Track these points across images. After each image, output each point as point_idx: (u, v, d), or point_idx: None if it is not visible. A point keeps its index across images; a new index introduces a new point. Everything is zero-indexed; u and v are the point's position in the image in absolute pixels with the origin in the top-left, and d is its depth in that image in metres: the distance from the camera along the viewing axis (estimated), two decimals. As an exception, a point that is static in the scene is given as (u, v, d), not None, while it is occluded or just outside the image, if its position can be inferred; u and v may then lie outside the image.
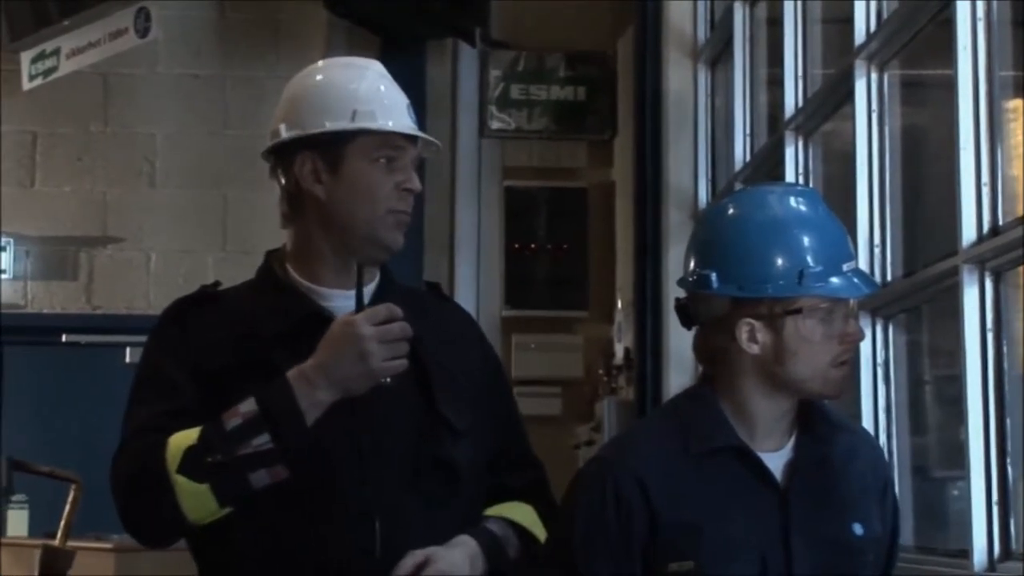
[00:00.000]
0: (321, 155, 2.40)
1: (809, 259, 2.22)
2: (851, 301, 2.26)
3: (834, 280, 2.23)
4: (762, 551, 2.22)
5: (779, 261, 2.22)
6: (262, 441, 2.25)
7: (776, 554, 2.22)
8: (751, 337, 2.23)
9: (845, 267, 2.25)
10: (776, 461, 2.27)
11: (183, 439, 2.28)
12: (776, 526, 2.23)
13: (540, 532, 2.48)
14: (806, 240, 2.24)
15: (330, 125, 2.40)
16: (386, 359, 2.29)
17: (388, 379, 2.32)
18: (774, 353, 2.22)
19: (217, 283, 2.52)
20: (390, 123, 2.42)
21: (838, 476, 2.28)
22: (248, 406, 2.27)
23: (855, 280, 2.25)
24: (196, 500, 2.27)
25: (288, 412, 2.26)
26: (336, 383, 2.29)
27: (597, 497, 2.27)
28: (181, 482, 2.26)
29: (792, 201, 2.29)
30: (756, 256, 2.23)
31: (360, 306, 2.34)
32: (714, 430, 2.27)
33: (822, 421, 2.30)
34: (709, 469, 2.26)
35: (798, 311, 2.21)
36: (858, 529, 2.26)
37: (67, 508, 4.71)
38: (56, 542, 4.65)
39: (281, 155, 2.45)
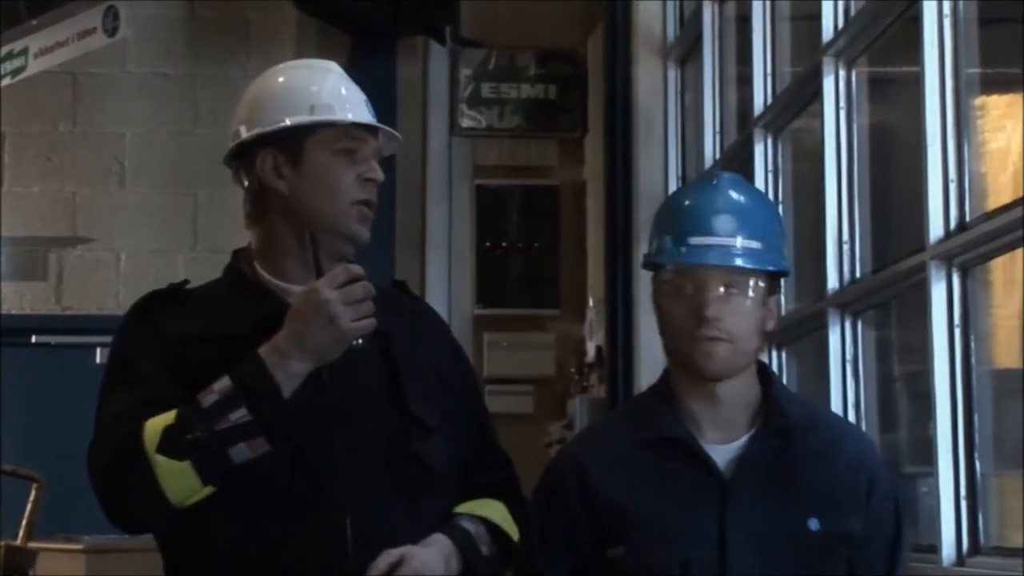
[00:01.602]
0: (282, 150, 2.42)
1: (672, 230, 2.31)
2: (705, 274, 2.27)
3: (680, 249, 2.29)
4: (691, 540, 2.25)
5: (659, 232, 2.34)
6: (240, 415, 2.25)
7: (707, 545, 2.24)
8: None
9: (693, 240, 2.29)
10: (725, 454, 2.30)
11: (160, 421, 2.27)
12: (713, 518, 2.25)
13: (512, 529, 2.49)
14: (676, 214, 2.34)
15: (289, 120, 2.42)
16: (354, 320, 2.30)
17: (359, 340, 2.32)
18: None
19: (186, 281, 2.52)
20: (349, 115, 2.44)
21: (797, 471, 2.29)
22: (222, 383, 2.28)
23: (681, 249, 2.29)
24: (178, 479, 2.26)
25: (263, 384, 2.27)
26: (308, 352, 2.30)
27: (551, 484, 2.36)
28: (161, 462, 2.25)
29: (705, 179, 2.41)
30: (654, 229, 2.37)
31: (319, 275, 2.35)
32: (660, 420, 2.32)
33: (789, 415, 2.31)
34: (651, 458, 2.31)
35: (664, 282, 2.31)
36: (814, 524, 2.26)
37: (29, 507, 4.69)
38: (18, 542, 4.63)
39: (243, 156, 2.46)
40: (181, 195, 8.07)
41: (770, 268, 2.30)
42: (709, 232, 2.29)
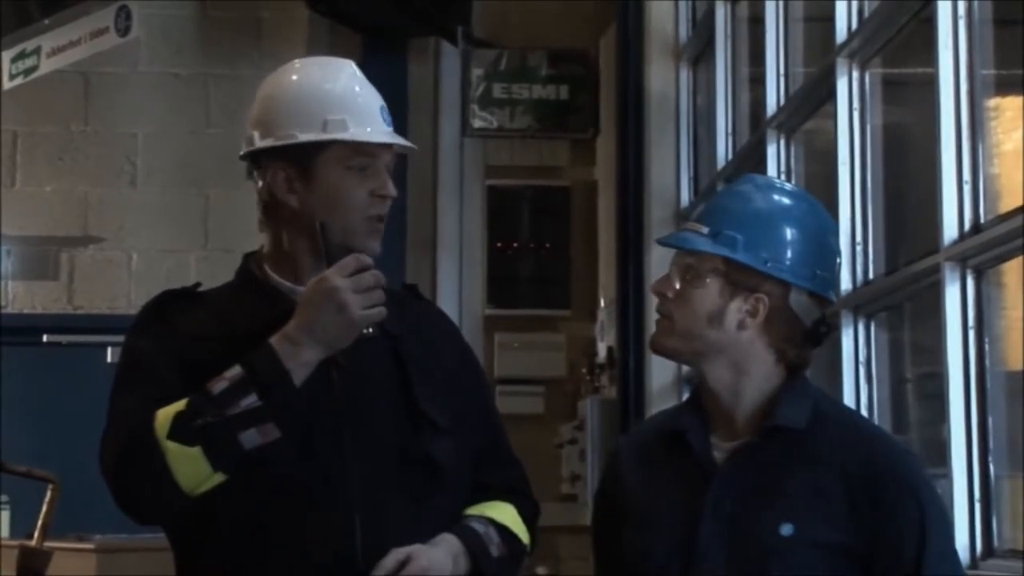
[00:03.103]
0: (293, 165, 2.40)
1: None
2: (675, 256, 2.37)
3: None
4: (663, 531, 2.28)
5: None
6: (250, 401, 2.26)
7: (677, 538, 2.26)
8: None
9: (687, 225, 2.41)
10: (725, 452, 2.31)
11: (171, 408, 2.28)
12: (689, 511, 2.27)
13: (522, 531, 2.49)
14: None
15: (301, 136, 2.40)
16: (364, 307, 2.30)
17: (370, 329, 2.33)
18: None
19: (198, 284, 2.53)
20: (363, 131, 2.41)
21: (784, 475, 2.26)
22: (233, 371, 2.28)
23: (677, 233, 2.43)
24: (189, 465, 2.26)
25: (274, 370, 2.27)
26: (319, 340, 2.30)
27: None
28: (172, 448, 2.25)
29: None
30: None
31: (329, 264, 2.34)
32: (681, 414, 2.38)
33: (782, 419, 2.28)
34: (664, 450, 2.35)
35: None
36: (786, 529, 2.22)
37: (44, 508, 4.69)
38: (33, 542, 4.63)
39: (256, 160, 2.45)
40: (192, 194, 8.08)
41: (713, 252, 2.30)
42: (688, 219, 2.41)
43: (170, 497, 2.28)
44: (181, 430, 2.25)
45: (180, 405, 2.28)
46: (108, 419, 2.38)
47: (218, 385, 2.27)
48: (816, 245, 2.34)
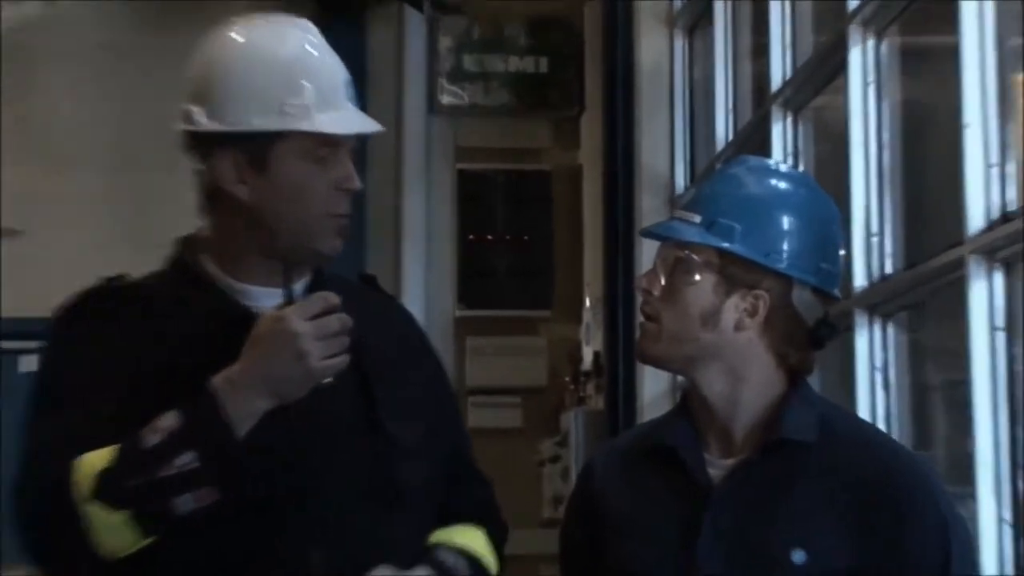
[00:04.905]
0: (245, 152, 2.35)
1: None
2: (661, 248, 2.39)
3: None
4: (661, 554, 2.30)
5: None
6: (186, 460, 2.20)
7: (677, 561, 2.28)
8: None
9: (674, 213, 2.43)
10: (722, 469, 2.33)
11: (95, 460, 2.22)
12: (688, 533, 2.28)
13: (490, 559, 2.51)
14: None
15: (256, 122, 2.34)
16: (326, 357, 2.25)
17: (329, 379, 2.28)
18: None
19: (122, 275, 2.48)
20: (328, 119, 2.36)
21: (787, 489, 2.29)
22: (168, 420, 2.22)
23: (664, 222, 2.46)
24: (112, 532, 2.21)
25: (215, 426, 2.21)
26: (270, 389, 2.24)
27: (575, 483, 2.56)
28: (94, 512, 2.20)
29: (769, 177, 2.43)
30: None
31: (289, 299, 2.31)
32: (669, 428, 2.39)
33: (788, 432, 2.30)
34: (650, 466, 2.38)
35: None
36: (798, 557, 2.24)
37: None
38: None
39: (197, 138, 2.40)
40: (126, 181, 8.06)
41: (708, 243, 2.31)
42: (678, 207, 2.43)
43: (89, 563, 2.24)
44: (106, 492, 2.20)
45: (105, 458, 2.22)
46: (23, 454, 2.31)
47: (151, 438, 2.21)
48: (819, 235, 2.36)
